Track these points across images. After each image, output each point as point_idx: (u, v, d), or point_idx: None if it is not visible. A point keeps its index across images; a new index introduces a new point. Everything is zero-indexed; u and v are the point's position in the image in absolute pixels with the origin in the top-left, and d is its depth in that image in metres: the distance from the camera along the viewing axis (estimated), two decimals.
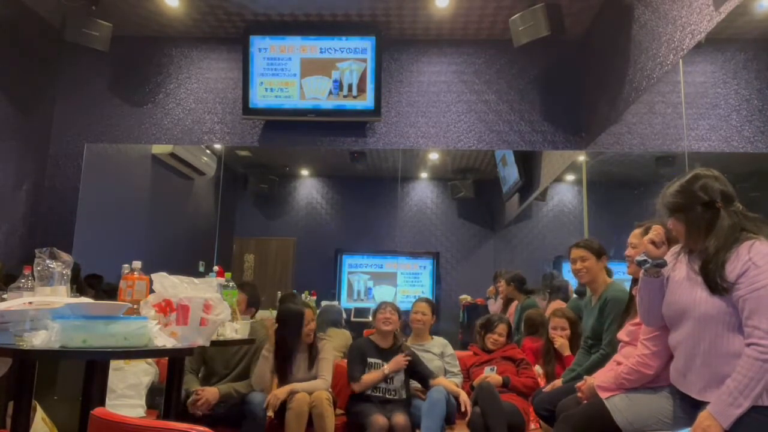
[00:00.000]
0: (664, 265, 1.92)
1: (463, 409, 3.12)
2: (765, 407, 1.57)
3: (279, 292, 5.04)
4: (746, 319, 1.63)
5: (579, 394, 2.39)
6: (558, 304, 4.27)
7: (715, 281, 1.70)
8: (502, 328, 3.62)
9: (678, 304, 1.86)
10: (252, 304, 3.44)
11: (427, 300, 3.78)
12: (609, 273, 2.90)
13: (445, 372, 3.52)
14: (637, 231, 2.42)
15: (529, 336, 3.90)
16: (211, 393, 2.98)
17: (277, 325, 3.20)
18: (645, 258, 1.92)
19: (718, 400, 1.62)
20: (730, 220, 1.73)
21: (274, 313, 4.43)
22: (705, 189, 1.78)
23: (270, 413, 2.99)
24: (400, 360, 3.27)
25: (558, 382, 2.92)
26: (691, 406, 1.80)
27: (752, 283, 1.62)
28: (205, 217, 5.78)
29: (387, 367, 3.25)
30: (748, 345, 1.60)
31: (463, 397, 3.16)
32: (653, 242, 1.92)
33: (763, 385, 1.55)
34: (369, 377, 3.24)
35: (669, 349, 1.97)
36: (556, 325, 3.35)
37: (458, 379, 3.46)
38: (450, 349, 3.63)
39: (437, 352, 3.59)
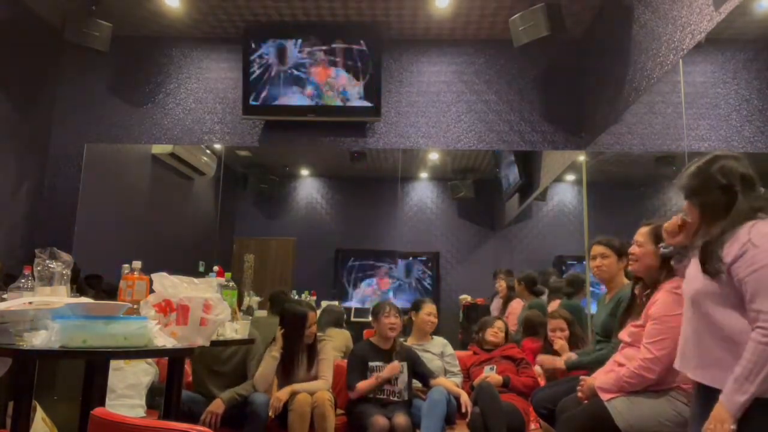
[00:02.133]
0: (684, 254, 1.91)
1: (463, 410, 3.12)
2: None
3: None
4: (749, 303, 1.55)
5: (579, 394, 2.39)
6: (557, 304, 4.28)
7: (710, 260, 1.63)
8: (500, 323, 3.66)
9: (684, 292, 1.82)
10: None
11: (433, 301, 3.79)
12: (627, 275, 2.89)
13: (445, 372, 3.52)
14: (643, 229, 2.40)
15: (528, 337, 3.90)
16: (216, 406, 2.99)
17: (283, 328, 3.21)
18: (666, 246, 1.93)
19: (727, 388, 1.55)
20: (748, 205, 1.62)
21: (264, 314, 4.43)
22: (723, 171, 1.68)
23: (271, 414, 3.00)
24: (395, 367, 3.24)
25: (573, 355, 2.94)
26: (704, 399, 1.76)
27: (751, 264, 1.54)
28: (205, 217, 5.78)
29: (382, 375, 3.22)
30: (754, 329, 1.54)
31: (464, 397, 3.16)
32: (667, 231, 1.92)
33: None
34: (363, 385, 3.21)
35: (672, 354, 1.95)
36: (554, 327, 3.34)
37: (458, 379, 3.46)
38: (450, 349, 3.63)
39: (437, 352, 3.59)
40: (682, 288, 1.84)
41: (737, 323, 1.60)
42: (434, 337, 3.70)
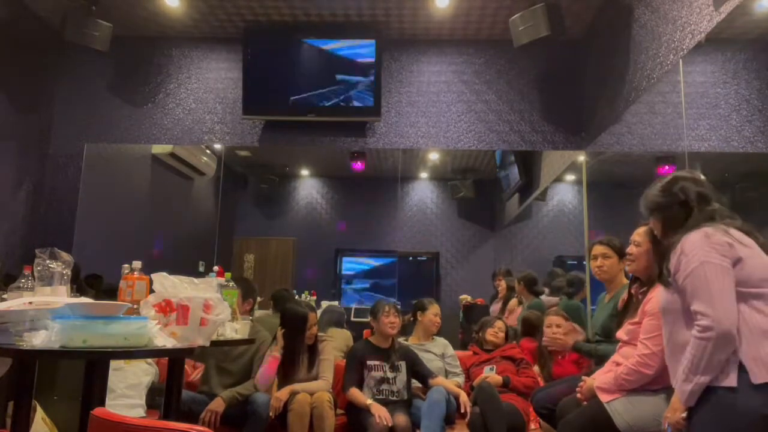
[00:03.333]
0: None
1: (462, 410, 3.11)
2: (719, 387, 1.65)
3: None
4: (689, 305, 1.74)
5: (578, 395, 2.39)
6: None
7: (662, 272, 1.85)
8: (500, 323, 3.66)
9: None
10: (247, 296, 3.44)
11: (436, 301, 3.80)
12: (626, 274, 2.89)
13: (446, 373, 3.52)
14: (641, 229, 2.42)
15: (526, 337, 3.89)
16: (217, 405, 2.99)
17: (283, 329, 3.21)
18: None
19: (678, 380, 1.75)
20: (701, 218, 1.82)
21: (263, 313, 4.45)
22: (683, 190, 1.90)
23: (272, 414, 3.00)
24: (385, 416, 3.01)
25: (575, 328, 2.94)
26: None
27: (684, 270, 1.74)
28: (205, 217, 5.78)
29: (374, 406, 3.08)
30: (693, 327, 1.71)
31: (463, 398, 3.16)
32: None
33: (707, 361, 1.65)
34: (355, 394, 3.19)
35: None
36: (551, 322, 3.30)
37: (460, 379, 3.47)
38: (451, 350, 3.64)
39: (438, 352, 3.59)
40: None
41: (688, 328, 1.75)
42: (436, 337, 3.70)
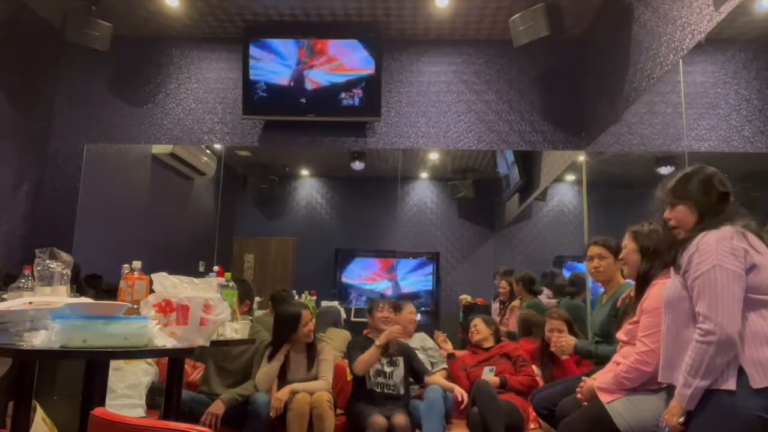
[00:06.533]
0: None
1: (459, 399, 3.14)
2: (718, 390, 1.66)
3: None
4: (694, 305, 1.75)
5: (579, 396, 2.39)
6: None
7: (676, 263, 1.83)
8: (475, 321, 3.71)
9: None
10: (244, 298, 3.44)
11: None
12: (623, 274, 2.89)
13: (432, 365, 3.64)
14: (627, 234, 2.44)
15: (524, 337, 3.89)
16: (217, 408, 2.99)
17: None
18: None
19: (678, 383, 1.75)
20: (722, 216, 1.81)
21: (264, 313, 4.47)
22: (704, 181, 1.88)
23: (272, 414, 3.00)
24: (393, 330, 3.28)
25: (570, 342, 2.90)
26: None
27: (696, 270, 1.74)
28: (205, 217, 5.78)
29: (381, 339, 3.25)
30: (695, 329, 1.72)
31: (457, 389, 3.20)
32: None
33: (707, 365, 1.66)
34: (365, 356, 3.23)
35: None
36: (552, 327, 3.29)
37: (442, 366, 3.62)
38: (429, 342, 3.79)
39: (418, 346, 3.70)
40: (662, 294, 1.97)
41: (693, 326, 1.75)
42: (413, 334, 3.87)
